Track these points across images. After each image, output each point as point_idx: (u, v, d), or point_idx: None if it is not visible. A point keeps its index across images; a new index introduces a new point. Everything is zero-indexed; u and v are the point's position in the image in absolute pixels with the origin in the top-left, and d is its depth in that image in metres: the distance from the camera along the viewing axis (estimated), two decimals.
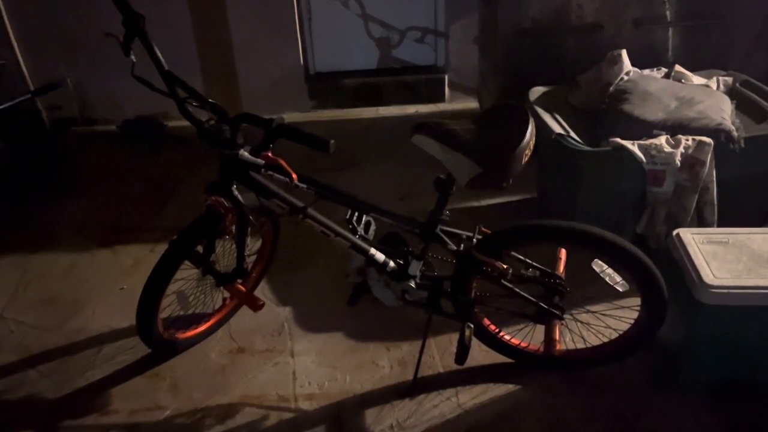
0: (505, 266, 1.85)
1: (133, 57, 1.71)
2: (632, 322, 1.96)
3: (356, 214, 1.95)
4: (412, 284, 1.98)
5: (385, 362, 2.16)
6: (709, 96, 2.47)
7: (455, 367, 1.99)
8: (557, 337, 2.05)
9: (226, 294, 2.23)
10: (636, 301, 1.91)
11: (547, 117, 2.56)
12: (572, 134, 2.43)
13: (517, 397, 2.02)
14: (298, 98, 3.96)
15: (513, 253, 1.93)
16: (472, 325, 1.91)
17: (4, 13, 3.45)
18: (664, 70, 2.81)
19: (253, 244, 2.07)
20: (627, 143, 2.28)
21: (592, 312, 2.07)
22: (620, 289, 1.92)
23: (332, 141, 1.53)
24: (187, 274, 2.03)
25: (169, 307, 2.09)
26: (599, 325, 2.05)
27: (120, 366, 2.15)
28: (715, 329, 1.84)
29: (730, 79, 2.69)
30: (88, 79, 3.74)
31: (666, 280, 1.81)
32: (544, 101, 2.71)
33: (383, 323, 2.29)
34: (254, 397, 2.04)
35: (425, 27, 3.97)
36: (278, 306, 2.42)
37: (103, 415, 1.98)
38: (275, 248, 2.32)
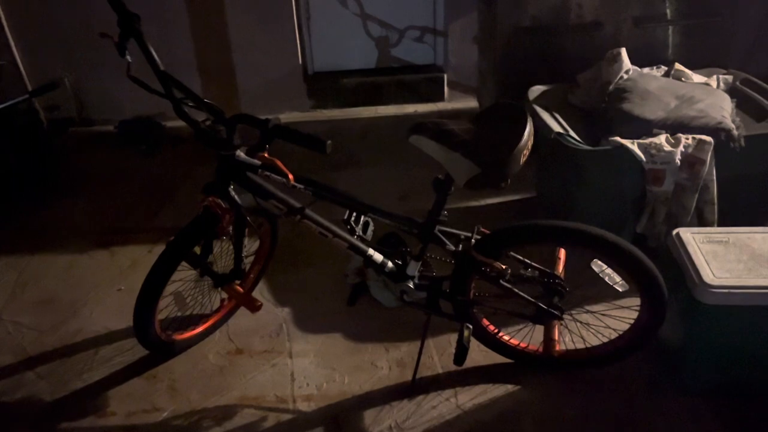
0: (503, 266, 1.85)
1: (128, 57, 1.70)
2: (632, 322, 1.95)
3: (354, 214, 1.95)
4: (411, 285, 1.98)
5: (384, 363, 2.15)
6: (710, 94, 2.46)
7: (454, 367, 1.99)
8: (556, 338, 2.05)
9: (224, 295, 2.22)
10: (636, 301, 1.90)
11: (546, 116, 2.56)
12: (572, 133, 2.42)
13: (516, 398, 2.01)
14: (297, 98, 3.96)
15: (512, 254, 1.92)
16: (470, 326, 1.90)
17: (1, 14, 3.45)
18: (664, 68, 2.80)
19: (250, 245, 2.07)
20: (627, 142, 2.27)
21: (592, 312, 2.07)
22: (620, 289, 1.91)
23: (329, 141, 1.52)
24: (184, 275, 2.03)
25: (166, 308, 2.09)
26: (599, 325, 2.04)
27: (117, 367, 2.14)
28: (715, 329, 1.83)
29: (730, 78, 2.69)
30: (86, 79, 3.73)
31: (666, 280, 1.80)
32: (543, 100, 2.71)
33: (382, 324, 2.28)
34: (252, 399, 2.03)
35: (424, 26, 3.96)
36: (276, 307, 2.41)
37: (101, 417, 1.97)
38: (273, 249, 2.31)
